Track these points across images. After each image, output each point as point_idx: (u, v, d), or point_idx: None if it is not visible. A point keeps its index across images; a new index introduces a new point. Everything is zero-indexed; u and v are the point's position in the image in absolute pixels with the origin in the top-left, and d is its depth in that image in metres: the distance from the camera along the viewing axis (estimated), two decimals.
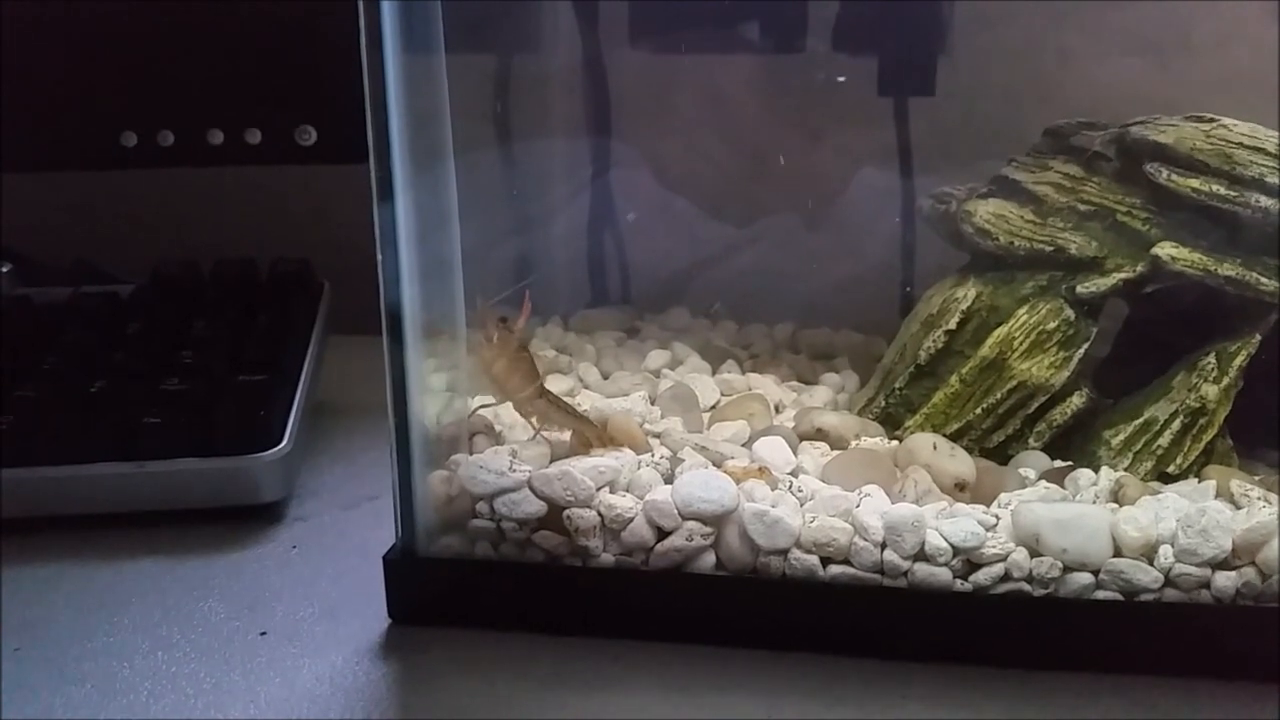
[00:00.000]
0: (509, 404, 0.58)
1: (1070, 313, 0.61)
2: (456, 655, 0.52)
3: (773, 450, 0.59)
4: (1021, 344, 0.61)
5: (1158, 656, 0.50)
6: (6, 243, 0.91)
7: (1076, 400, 0.61)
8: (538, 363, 0.59)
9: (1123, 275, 0.61)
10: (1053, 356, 0.61)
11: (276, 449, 0.65)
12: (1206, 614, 0.49)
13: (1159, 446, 0.59)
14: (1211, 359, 0.59)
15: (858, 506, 0.52)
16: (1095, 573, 0.50)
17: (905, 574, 0.50)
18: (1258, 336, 0.59)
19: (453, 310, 0.56)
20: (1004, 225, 0.63)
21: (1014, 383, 0.61)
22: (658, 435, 0.60)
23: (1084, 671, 0.50)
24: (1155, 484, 0.57)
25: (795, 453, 0.59)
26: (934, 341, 0.63)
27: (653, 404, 0.65)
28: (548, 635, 0.53)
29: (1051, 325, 0.61)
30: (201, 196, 0.96)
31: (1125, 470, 0.58)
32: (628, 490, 0.54)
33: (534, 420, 0.57)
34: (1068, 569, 0.50)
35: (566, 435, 0.57)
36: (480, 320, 0.56)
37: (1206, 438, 0.59)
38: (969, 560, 0.50)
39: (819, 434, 0.62)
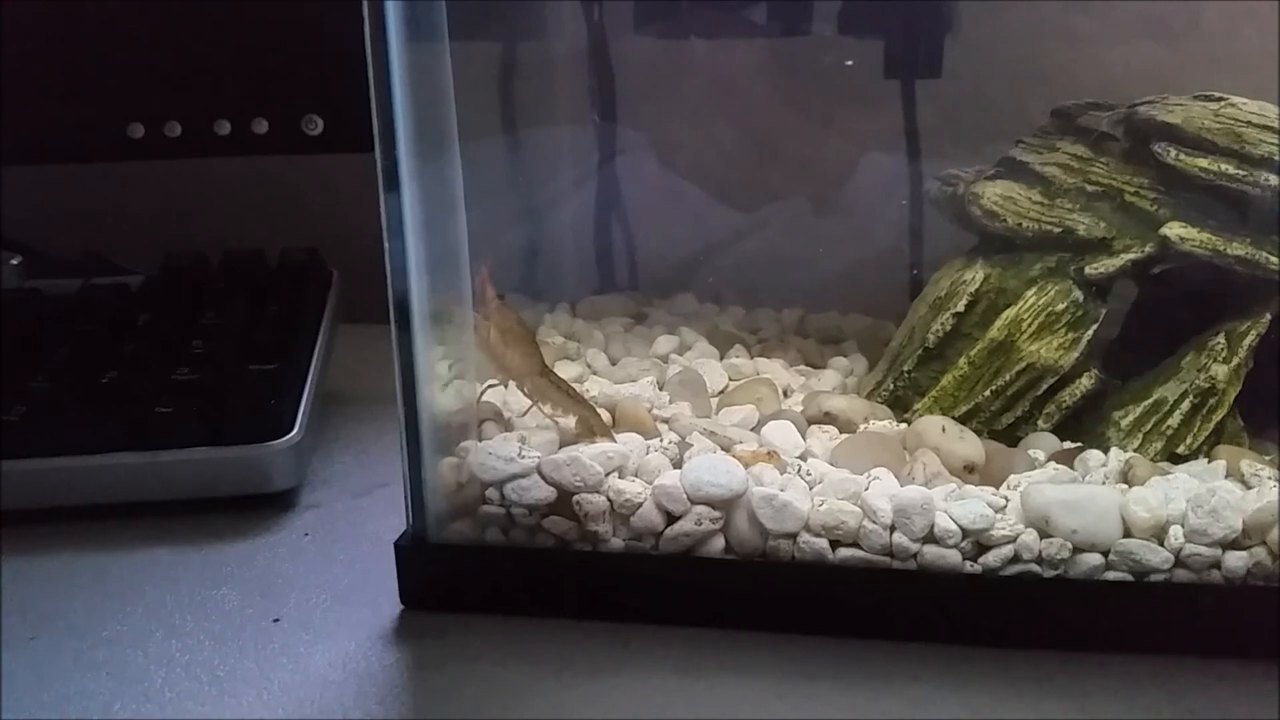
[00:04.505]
0: (517, 390, 0.59)
1: (1079, 294, 0.61)
2: (468, 640, 0.52)
3: (781, 434, 0.59)
4: (1030, 326, 0.61)
5: (1168, 637, 0.50)
6: (16, 235, 0.92)
7: (1085, 381, 0.61)
8: (543, 348, 0.59)
9: (1131, 256, 0.60)
10: (1061, 338, 0.61)
11: (287, 437, 0.65)
12: (1217, 594, 0.49)
13: (1169, 427, 0.59)
14: (1221, 339, 0.59)
15: (866, 489, 0.52)
16: (1105, 553, 0.50)
17: (914, 556, 0.50)
18: (1267, 316, 0.59)
19: (460, 298, 0.56)
20: (1012, 207, 0.63)
21: (1023, 364, 0.61)
22: (666, 420, 0.61)
23: (1094, 652, 0.50)
24: (1165, 464, 0.57)
25: (804, 436, 0.60)
26: (942, 324, 0.63)
27: (661, 389, 0.65)
28: (558, 620, 0.53)
29: (1060, 306, 0.61)
30: (209, 187, 0.96)
31: (1135, 451, 0.58)
32: (636, 475, 0.54)
33: (534, 398, 0.57)
34: (1077, 550, 0.50)
35: (570, 420, 0.57)
36: (478, 297, 0.56)
37: (1216, 418, 0.59)
38: (978, 542, 0.50)
39: (827, 418, 0.62)
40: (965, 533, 0.50)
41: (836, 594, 0.51)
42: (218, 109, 0.83)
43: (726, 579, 0.52)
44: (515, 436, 0.56)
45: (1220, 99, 0.60)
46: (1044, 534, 0.50)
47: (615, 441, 0.56)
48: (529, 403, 0.58)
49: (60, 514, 0.63)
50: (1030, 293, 0.61)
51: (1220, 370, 0.59)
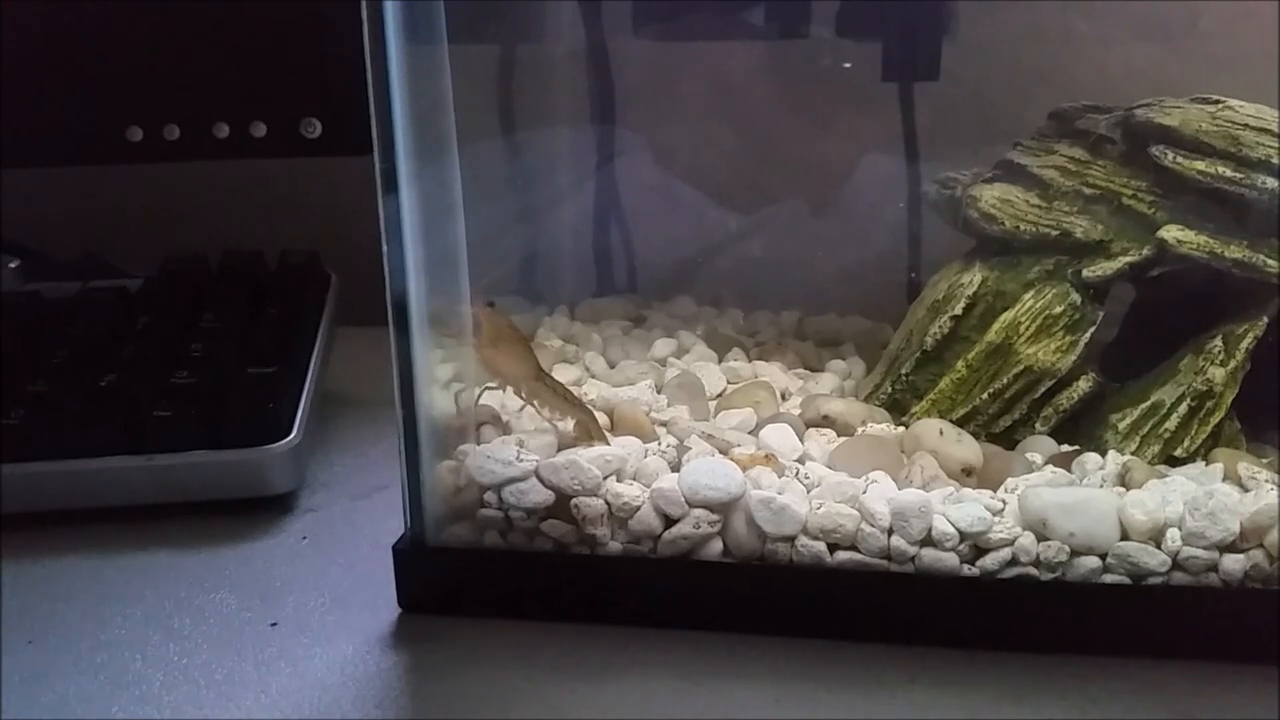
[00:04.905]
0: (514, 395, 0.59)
1: (1076, 297, 0.61)
2: (466, 643, 0.52)
3: (779, 437, 0.59)
4: (1028, 329, 0.61)
5: (1165, 640, 0.50)
6: (15, 238, 0.92)
7: (1083, 384, 0.61)
8: (539, 352, 0.59)
9: (1129, 259, 0.60)
10: (1059, 341, 0.61)
11: (286, 441, 0.65)
12: (1214, 597, 0.49)
13: (1166, 430, 0.59)
14: (1218, 342, 0.59)
15: (864, 493, 0.52)
16: (1102, 556, 0.50)
17: (912, 559, 0.51)
18: (1264, 319, 0.59)
19: (459, 301, 0.56)
20: (1009, 209, 0.63)
21: (1020, 367, 0.61)
22: (664, 424, 0.61)
23: (1092, 655, 0.50)
24: (1162, 467, 0.57)
25: (802, 440, 0.60)
26: (940, 327, 0.63)
27: (659, 392, 0.65)
28: (556, 623, 0.53)
29: (1058, 309, 0.61)
30: (208, 190, 0.96)
31: (1132, 454, 0.58)
32: (635, 479, 0.54)
33: (534, 403, 0.57)
34: (1075, 553, 0.50)
35: (569, 423, 0.58)
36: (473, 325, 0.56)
37: (1214, 420, 0.59)
38: (976, 545, 0.50)
39: (825, 421, 0.62)
40: (963, 536, 0.50)
41: (834, 597, 0.51)
42: (216, 112, 0.83)
43: (724, 582, 0.52)
44: (513, 440, 0.56)
45: (1217, 102, 0.61)
46: (1041, 537, 0.50)
47: (610, 445, 0.56)
48: (526, 406, 0.58)
49: (59, 517, 0.63)
50: (1028, 296, 0.61)
51: (1217, 373, 0.59)
